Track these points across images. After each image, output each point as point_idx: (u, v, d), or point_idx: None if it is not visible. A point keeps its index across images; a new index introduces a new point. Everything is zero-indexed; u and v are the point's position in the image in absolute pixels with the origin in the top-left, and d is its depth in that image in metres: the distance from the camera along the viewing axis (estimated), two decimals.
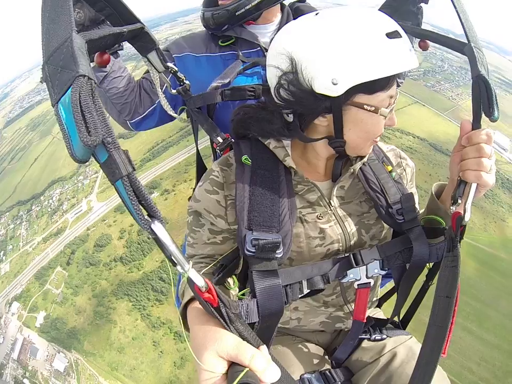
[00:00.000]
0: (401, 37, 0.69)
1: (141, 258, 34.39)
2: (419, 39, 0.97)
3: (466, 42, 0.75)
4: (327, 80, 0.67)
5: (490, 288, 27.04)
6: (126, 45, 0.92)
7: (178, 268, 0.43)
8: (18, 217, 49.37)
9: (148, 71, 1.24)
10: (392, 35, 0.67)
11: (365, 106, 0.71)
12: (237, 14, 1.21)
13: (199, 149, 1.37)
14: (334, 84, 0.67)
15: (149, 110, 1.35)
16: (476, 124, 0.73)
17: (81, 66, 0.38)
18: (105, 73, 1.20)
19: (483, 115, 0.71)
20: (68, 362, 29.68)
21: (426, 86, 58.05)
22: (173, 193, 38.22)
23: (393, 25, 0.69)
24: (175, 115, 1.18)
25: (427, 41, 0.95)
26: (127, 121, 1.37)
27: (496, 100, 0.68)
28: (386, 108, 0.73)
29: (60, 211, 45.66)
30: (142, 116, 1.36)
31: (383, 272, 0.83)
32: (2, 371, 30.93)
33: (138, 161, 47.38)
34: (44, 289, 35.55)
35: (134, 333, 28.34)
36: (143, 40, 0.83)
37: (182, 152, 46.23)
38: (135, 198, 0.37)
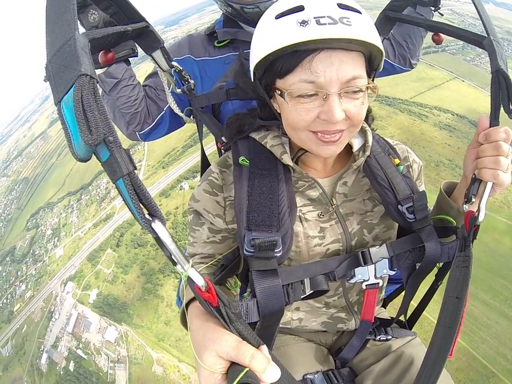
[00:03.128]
0: (299, 10, 0.63)
1: (186, 238, 34.91)
2: (432, 33, 0.94)
3: (484, 35, 0.71)
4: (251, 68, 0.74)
5: None
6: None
7: (178, 267, 0.43)
8: (69, 207, 54.13)
9: (147, 78, 1.34)
10: (281, 14, 0.65)
11: (276, 90, 0.70)
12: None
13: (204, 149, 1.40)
14: (251, 69, 0.74)
15: (158, 118, 1.31)
16: (494, 121, 0.70)
17: (84, 65, 0.38)
18: (117, 80, 1.16)
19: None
20: (118, 334, 32.76)
21: (465, 61, 54.32)
22: None
23: (291, 4, 0.65)
24: (181, 114, 1.19)
25: (441, 34, 0.92)
26: (136, 132, 1.31)
27: None
28: (305, 93, 0.65)
29: (108, 198, 49.42)
30: (152, 125, 1.32)
31: (392, 273, 0.81)
32: (58, 343, 35.01)
33: (180, 148, 49.52)
34: (95, 270, 39.11)
35: None
36: (147, 39, 0.84)
37: None
38: (136, 196, 0.37)
